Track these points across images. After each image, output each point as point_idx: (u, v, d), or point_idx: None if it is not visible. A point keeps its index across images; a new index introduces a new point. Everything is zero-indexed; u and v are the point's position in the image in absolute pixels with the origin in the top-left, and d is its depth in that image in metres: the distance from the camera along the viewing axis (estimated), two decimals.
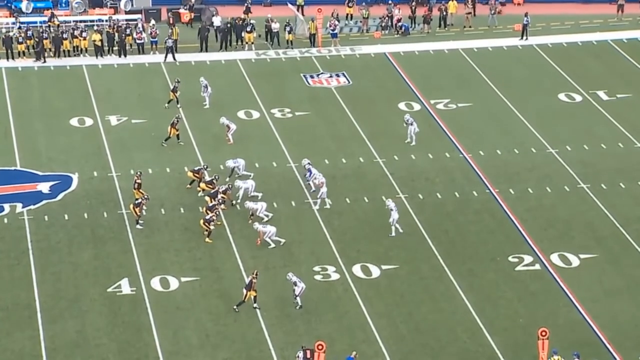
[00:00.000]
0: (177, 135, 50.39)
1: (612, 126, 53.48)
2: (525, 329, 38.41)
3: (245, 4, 64.64)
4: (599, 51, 62.37)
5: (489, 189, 47.64)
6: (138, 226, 44.06)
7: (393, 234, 43.75)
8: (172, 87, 54.31)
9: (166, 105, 53.93)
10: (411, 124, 50.81)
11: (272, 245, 42.83)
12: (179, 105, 53.77)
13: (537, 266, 42.36)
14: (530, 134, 52.55)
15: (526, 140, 51.90)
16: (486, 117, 54.29)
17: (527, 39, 62.94)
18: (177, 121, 50.55)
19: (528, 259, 42.77)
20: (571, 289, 40.95)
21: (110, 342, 37.71)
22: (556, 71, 59.54)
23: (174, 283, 41.01)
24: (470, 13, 65.71)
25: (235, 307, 39.05)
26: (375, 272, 41.92)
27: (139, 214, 44.06)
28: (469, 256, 42.89)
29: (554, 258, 42.82)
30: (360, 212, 45.72)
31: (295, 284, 39.19)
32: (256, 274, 39.14)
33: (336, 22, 62.90)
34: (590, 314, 39.56)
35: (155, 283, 40.97)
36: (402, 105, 55.37)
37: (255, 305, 39.04)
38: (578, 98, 56.68)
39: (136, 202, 44.18)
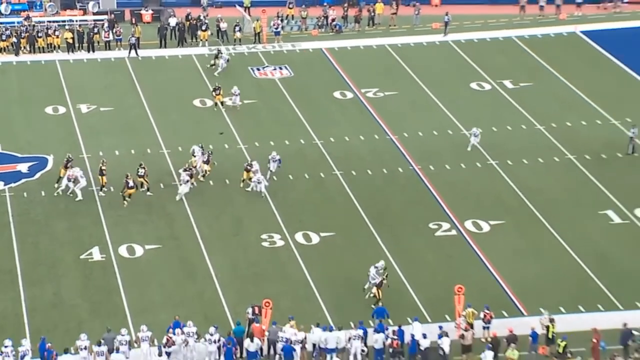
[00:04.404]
0: (222, 102, 51.60)
1: (516, 111, 53.89)
2: (443, 285, 38.70)
3: (202, 5, 64.22)
4: (505, 46, 62.69)
5: (412, 166, 47.84)
6: (101, 193, 43.76)
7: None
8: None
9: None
10: (475, 136, 48.84)
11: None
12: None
13: (454, 232, 42.69)
14: (447, 118, 52.80)
15: (443, 123, 52.14)
16: (409, 104, 54.39)
17: (447, 34, 63.00)
18: (218, 89, 51.95)
19: (446, 225, 43.04)
20: (483, 251, 41.34)
21: (83, 302, 37.45)
22: (468, 63, 59.78)
23: (139, 250, 40.73)
24: (394, 13, 65.74)
25: (372, 305, 37.07)
26: (315, 239, 41.95)
27: (103, 182, 43.85)
28: (395, 224, 43.08)
29: (468, 224, 43.16)
30: (302, 187, 45.72)
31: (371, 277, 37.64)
32: (386, 276, 37.45)
33: (279, 22, 62.62)
34: (499, 272, 39.98)
35: (123, 250, 40.66)
36: (337, 94, 55.33)
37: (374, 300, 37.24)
38: (487, 87, 56.99)
39: (100, 172, 44.22)
